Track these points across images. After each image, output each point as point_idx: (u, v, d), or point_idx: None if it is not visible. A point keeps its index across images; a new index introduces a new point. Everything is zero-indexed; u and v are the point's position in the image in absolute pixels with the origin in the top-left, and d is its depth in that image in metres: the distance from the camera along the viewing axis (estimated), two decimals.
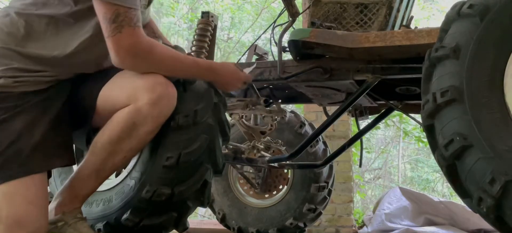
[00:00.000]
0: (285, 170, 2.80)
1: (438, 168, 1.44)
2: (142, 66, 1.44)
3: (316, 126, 2.61)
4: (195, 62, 1.60)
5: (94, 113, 1.50)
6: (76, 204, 1.48)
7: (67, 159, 1.48)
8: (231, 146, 2.36)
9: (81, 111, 1.51)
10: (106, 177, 1.56)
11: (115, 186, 1.69)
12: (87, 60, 1.50)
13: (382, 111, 2.45)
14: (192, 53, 2.14)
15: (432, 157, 1.37)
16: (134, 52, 1.40)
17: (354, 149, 4.54)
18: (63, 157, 1.45)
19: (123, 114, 1.43)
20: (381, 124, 5.83)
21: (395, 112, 2.59)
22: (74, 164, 1.50)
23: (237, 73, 1.73)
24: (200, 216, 7.15)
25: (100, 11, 1.37)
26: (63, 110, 1.46)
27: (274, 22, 2.28)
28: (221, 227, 3.00)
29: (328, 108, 2.58)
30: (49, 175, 1.51)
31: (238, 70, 1.74)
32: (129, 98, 1.43)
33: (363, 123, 2.59)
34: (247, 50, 2.48)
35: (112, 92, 1.48)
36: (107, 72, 1.52)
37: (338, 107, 2.16)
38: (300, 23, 4.45)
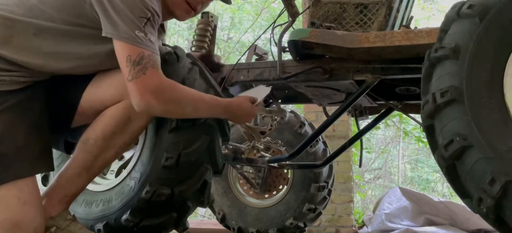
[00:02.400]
0: (285, 170, 2.80)
1: (438, 168, 1.44)
2: (167, 108, 1.41)
3: (316, 126, 2.61)
4: (217, 102, 1.56)
5: (75, 114, 1.47)
6: (64, 205, 1.45)
7: (49, 165, 1.42)
8: (231, 146, 2.36)
9: (60, 113, 1.47)
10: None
11: (115, 186, 1.69)
12: (70, 71, 1.47)
13: (382, 111, 2.45)
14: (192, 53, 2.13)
15: (432, 157, 1.37)
16: (159, 92, 1.37)
17: (354, 149, 4.54)
18: (46, 162, 1.40)
19: (118, 109, 1.42)
20: (381, 124, 5.83)
21: (395, 112, 2.59)
22: (53, 170, 1.45)
23: (251, 111, 1.70)
24: (200, 216, 7.15)
25: (123, 52, 1.34)
26: (43, 114, 1.42)
27: (274, 22, 2.27)
28: (221, 227, 3.00)
29: (328, 108, 2.58)
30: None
31: (252, 107, 1.70)
32: (122, 93, 1.41)
33: (363, 123, 2.59)
34: (247, 50, 2.48)
35: (101, 90, 1.45)
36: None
37: (338, 107, 2.16)
38: (300, 23, 4.45)
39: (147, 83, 1.35)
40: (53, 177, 1.84)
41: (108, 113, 1.44)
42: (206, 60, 1.87)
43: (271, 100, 2.43)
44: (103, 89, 1.45)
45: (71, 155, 1.50)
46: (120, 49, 1.34)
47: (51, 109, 1.45)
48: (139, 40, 1.34)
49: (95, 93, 1.46)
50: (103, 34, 1.35)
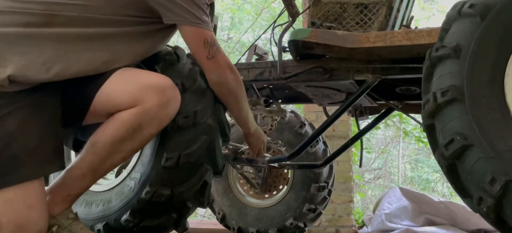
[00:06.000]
0: (285, 170, 2.80)
1: (438, 168, 1.44)
2: (237, 85, 1.64)
3: (316, 126, 2.61)
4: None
5: (87, 113, 1.45)
6: (67, 204, 1.44)
7: (61, 164, 1.41)
8: (231, 146, 2.35)
9: (72, 110, 1.45)
10: (101, 177, 1.53)
11: (115, 186, 1.69)
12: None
13: (382, 111, 2.45)
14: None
15: (432, 157, 1.37)
16: (233, 68, 1.62)
17: (354, 149, 4.54)
18: (58, 161, 1.39)
19: (130, 114, 1.40)
20: (381, 124, 5.84)
21: (395, 112, 2.59)
22: (64, 168, 1.44)
23: (264, 138, 2.04)
24: (200, 216, 7.15)
25: (199, 35, 1.50)
26: (57, 111, 1.40)
27: (274, 22, 2.28)
28: (221, 227, 3.00)
29: (328, 108, 2.58)
30: None
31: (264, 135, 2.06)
32: (136, 99, 1.39)
33: (363, 123, 2.59)
34: (247, 50, 2.48)
35: (115, 92, 1.43)
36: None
37: (338, 107, 2.16)
38: (300, 23, 4.45)
39: (225, 60, 1.59)
40: (53, 176, 1.84)
41: (119, 118, 1.41)
42: None
43: (271, 100, 2.43)
44: (118, 93, 1.42)
45: (78, 155, 1.48)
46: (194, 33, 1.50)
47: (64, 104, 1.43)
48: (209, 25, 1.52)
49: (109, 95, 1.43)
50: (170, 21, 1.47)
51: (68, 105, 1.44)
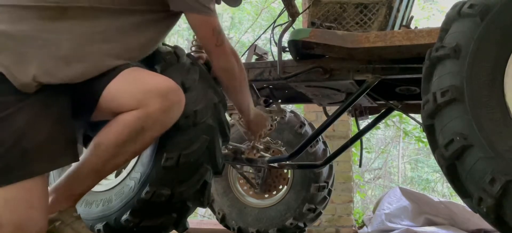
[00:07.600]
0: (285, 170, 2.80)
1: (438, 168, 1.44)
2: (242, 71, 1.72)
3: (316, 126, 2.61)
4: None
5: (95, 108, 1.44)
6: (71, 203, 1.46)
7: (72, 157, 1.41)
8: (231, 146, 2.35)
9: (81, 104, 1.45)
10: (104, 177, 1.54)
11: (115, 186, 1.69)
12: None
13: (382, 111, 2.45)
14: (192, 53, 2.14)
15: (432, 157, 1.38)
16: (235, 54, 1.69)
17: (354, 149, 4.54)
18: (68, 155, 1.39)
19: (132, 117, 1.39)
20: (381, 124, 5.83)
21: (395, 112, 2.59)
22: (78, 161, 1.44)
23: (266, 120, 2.10)
24: (200, 216, 7.15)
25: (209, 24, 1.55)
26: (67, 106, 1.40)
27: (274, 22, 2.28)
28: (221, 227, 3.00)
29: (328, 108, 2.58)
30: None
31: (267, 118, 2.13)
32: (139, 102, 1.39)
33: (363, 123, 2.59)
34: (247, 50, 2.48)
35: (120, 93, 1.42)
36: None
37: (338, 107, 2.16)
38: (300, 23, 4.45)
39: (230, 46, 1.65)
40: (53, 175, 1.84)
41: (122, 121, 1.41)
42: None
43: (271, 100, 2.43)
44: (122, 94, 1.42)
45: (82, 155, 1.49)
46: (203, 21, 1.55)
47: (74, 96, 1.43)
48: (215, 13, 1.56)
49: (114, 95, 1.42)
50: (177, 9, 1.51)
51: (78, 99, 1.44)
